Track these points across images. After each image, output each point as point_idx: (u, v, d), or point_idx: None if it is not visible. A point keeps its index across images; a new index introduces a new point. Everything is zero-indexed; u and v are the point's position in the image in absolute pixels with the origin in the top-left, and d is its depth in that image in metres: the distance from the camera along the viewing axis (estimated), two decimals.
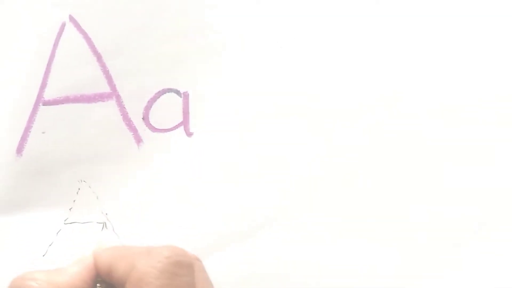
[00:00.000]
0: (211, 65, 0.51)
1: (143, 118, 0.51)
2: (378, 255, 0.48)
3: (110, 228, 0.51)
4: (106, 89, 0.51)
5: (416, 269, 0.48)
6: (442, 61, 0.49)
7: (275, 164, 0.50)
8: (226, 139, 0.51)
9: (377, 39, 0.50)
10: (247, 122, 0.51)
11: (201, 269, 0.37)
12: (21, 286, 0.36)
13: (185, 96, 0.51)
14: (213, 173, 0.50)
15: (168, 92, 0.51)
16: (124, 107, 0.51)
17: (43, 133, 0.51)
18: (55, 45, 0.51)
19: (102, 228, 0.51)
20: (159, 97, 0.51)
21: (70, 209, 0.51)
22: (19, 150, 0.51)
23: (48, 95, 0.51)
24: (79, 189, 0.51)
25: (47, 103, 0.51)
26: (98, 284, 0.38)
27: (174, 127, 0.51)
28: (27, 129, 0.51)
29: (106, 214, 0.51)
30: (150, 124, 0.51)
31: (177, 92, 0.51)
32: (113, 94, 0.51)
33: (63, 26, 0.51)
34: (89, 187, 0.51)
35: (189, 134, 0.51)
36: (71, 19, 0.51)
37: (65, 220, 0.51)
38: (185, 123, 0.51)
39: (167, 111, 0.51)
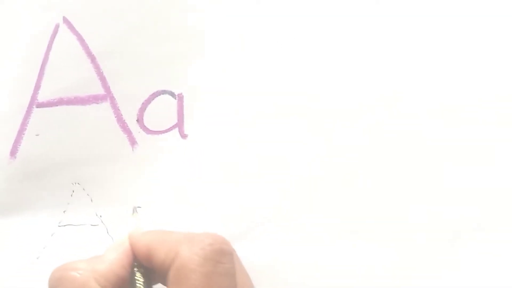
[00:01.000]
0: (206, 66, 0.51)
1: (137, 120, 0.51)
2: (378, 255, 0.48)
3: (104, 231, 0.51)
4: (100, 91, 0.51)
5: (415, 269, 0.48)
6: (442, 61, 0.49)
7: (275, 164, 0.50)
8: (222, 140, 0.50)
9: (377, 39, 0.50)
10: (246, 122, 0.50)
11: (237, 258, 0.37)
12: (63, 277, 0.36)
13: (180, 98, 0.51)
14: (208, 174, 0.50)
15: (163, 93, 0.51)
16: (118, 109, 0.51)
17: (37, 135, 0.51)
18: (49, 47, 0.51)
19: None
20: (153, 99, 0.51)
21: (64, 212, 0.51)
22: (13, 152, 0.51)
23: (41, 97, 0.51)
24: (73, 191, 0.51)
25: (40, 105, 0.51)
26: (135, 269, 0.38)
27: (168, 129, 0.51)
28: (21, 132, 0.51)
29: (100, 216, 0.51)
30: (145, 126, 0.51)
31: (172, 93, 0.51)
32: (107, 96, 0.51)
33: (56, 27, 0.51)
34: (83, 189, 0.51)
35: (184, 136, 0.51)
36: (65, 20, 0.51)
37: (59, 223, 0.51)
38: (179, 125, 0.51)
39: (161, 113, 0.51)
